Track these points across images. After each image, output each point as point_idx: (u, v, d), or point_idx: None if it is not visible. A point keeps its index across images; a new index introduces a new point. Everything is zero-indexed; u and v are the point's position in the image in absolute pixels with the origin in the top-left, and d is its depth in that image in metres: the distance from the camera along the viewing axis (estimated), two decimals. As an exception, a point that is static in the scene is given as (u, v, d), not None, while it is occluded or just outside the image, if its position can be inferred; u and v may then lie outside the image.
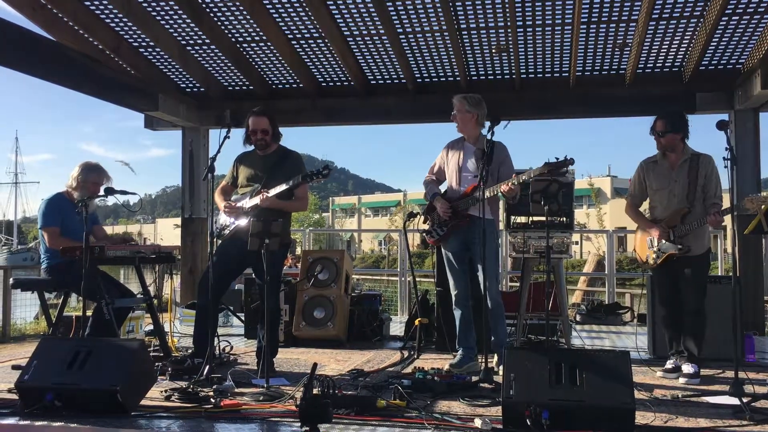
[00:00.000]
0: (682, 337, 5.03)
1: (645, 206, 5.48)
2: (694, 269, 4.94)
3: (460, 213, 5.12)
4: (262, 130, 5.11)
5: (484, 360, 4.55)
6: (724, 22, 6.53)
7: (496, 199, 5.13)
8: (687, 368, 4.89)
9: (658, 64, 7.52)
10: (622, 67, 7.61)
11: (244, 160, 5.29)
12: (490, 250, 5.04)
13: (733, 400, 3.95)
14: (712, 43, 6.89)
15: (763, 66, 6.51)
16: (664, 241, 5.01)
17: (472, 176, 5.13)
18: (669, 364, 5.09)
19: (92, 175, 5.46)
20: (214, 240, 5.11)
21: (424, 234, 5.47)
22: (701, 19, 6.57)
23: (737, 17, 6.47)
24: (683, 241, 4.94)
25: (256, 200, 4.92)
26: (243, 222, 4.98)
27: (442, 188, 5.44)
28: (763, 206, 4.37)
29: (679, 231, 4.95)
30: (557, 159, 4.68)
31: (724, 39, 6.87)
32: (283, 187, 4.84)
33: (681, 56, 7.33)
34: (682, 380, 4.86)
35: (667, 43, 7.04)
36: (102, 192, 5.37)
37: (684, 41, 7.00)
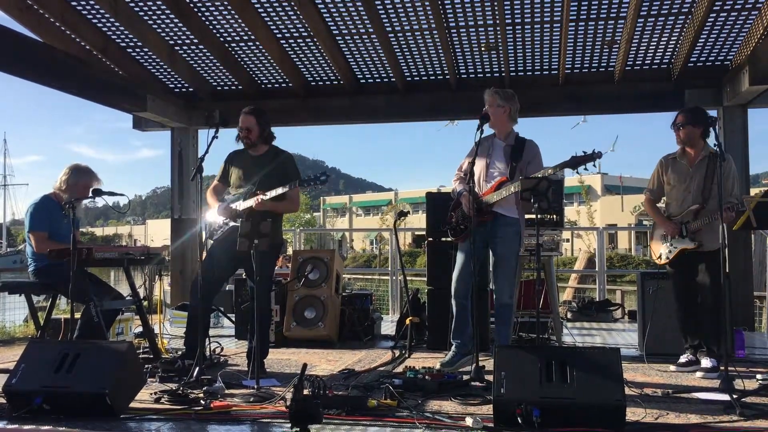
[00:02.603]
0: (703, 334, 5.05)
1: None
2: (709, 265, 4.96)
3: (484, 209, 4.97)
4: (246, 128, 5.10)
5: (475, 358, 4.54)
6: (712, 19, 6.55)
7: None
8: (706, 362, 4.94)
9: (646, 61, 7.54)
10: (611, 64, 7.62)
11: (235, 159, 5.27)
12: (511, 250, 5.01)
13: (724, 396, 3.97)
14: (700, 40, 6.91)
15: (751, 62, 6.53)
16: (677, 237, 5.06)
17: (500, 173, 5.01)
18: (683, 359, 5.12)
19: (83, 178, 5.43)
20: (204, 241, 5.09)
21: (447, 230, 5.32)
22: (689, 16, 6.59)
23: (725, 14, 6.49)
24: (696, 237, 4.99)
25: (251, 202, 4.88)
26: (236, 223, 4.95)
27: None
28: (752, 203, 4.39)
29: (692, 227, 4.99)
30: (584, 153, 4.56)
31: (712, 36, 6.89)
32: (279, 190, 4.83)
33: (669, 53, 7.35)
34: (699, 374, 4.88)
35: (656, 40, 7.05)
36: (90, 194, 5.34)
37: (672, 38, 7.03)
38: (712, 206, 4.92)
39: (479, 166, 5.15)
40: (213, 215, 5.17)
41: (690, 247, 5.01)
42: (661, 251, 5.21)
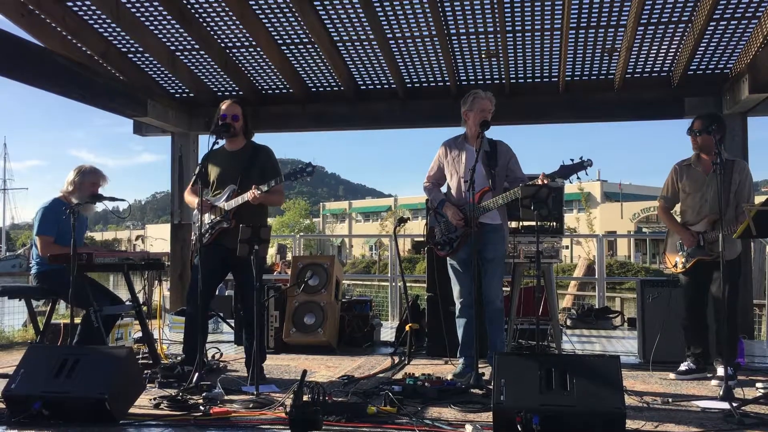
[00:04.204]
0: (715, 343, 4.98)
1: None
2: (725, 274, 4.71)
3: (471, 221, 4.84)
4: (233, 116, 4.99)
5: (475, 365, 4.54)
6: (712, 27, 6.57)
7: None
8: (722, 371, 4.86)
9: (646, 69, 7.56)
10: (611, 72, 7.64)
11: (212, 157, 5.06)
12: (500, 254, 5.00)
13: (724, 404, 3.96)
14: (700, 48, 6.93)
15: (751, 71, 6.55)
16: (694, 247, 4.99)
17: (480, 182, 4.91)
18: (683, 366, 5.09)
19: (89, 176, 5.42)
20: (194, 243, 5.05)
21: (435, 247, 5.23)
22: (689, 24, 6.61)
23: (725, 22, 6.51)
24: (713, 248, 4.89)
25: (246, 197, 4.78)
26: (224, 225, 4.92)
27: (443, 189, 5.26)
28: (751, 211, 4.38)
29: (710, 237, 4.92)
30: (572, 161, 4.50)
31: (712, 44, 6.91)
32: (272, 184, 4.77)
33: (669, 61, 7.37)
34: (714, 382, 4.81)
35: (656, 48, 7.07)
36: (96, 194, 5.34)
37: (672, 46, 7.04)
38: (730, 216, 4.83)
39: (455, 173, 5.07)
40: (198, 217, 5.06)
41: (707, 258, 4.92)
42: (676, 260, 5.14)
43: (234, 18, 6.84)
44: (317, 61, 7.71)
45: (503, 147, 5.06)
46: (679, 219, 5.26)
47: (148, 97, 7.88)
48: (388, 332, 7.52)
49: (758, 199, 4.76)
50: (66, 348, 4.85)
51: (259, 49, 7.45)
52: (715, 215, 4.89)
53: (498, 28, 6.74)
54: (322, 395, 3.72)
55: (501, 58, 7.30)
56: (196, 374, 4.44)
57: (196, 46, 7.46)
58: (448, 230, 5.08)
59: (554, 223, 5.91)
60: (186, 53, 7.70)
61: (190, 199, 5.17)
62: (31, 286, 5.46)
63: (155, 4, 6.67)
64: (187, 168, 8.64)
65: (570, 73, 7.67)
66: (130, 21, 6.88)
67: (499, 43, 7.00)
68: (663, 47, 7.06)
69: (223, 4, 6.60)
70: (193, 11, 6.85)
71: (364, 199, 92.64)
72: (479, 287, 5.00)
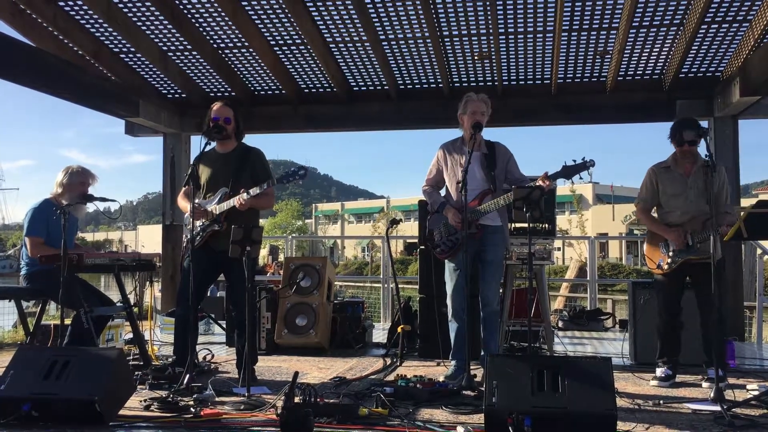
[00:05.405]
0: (706, 344, 4.93)
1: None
2: (716, 275, 4.63)
3: (472, 223, 4.84)
4: (225, 119, 4.98)
5: (466, 367, 4.54)
6: (704, 30, 6.60)
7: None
8: (713, 373, 4.85)
9: (638, 72, 7.58)
10: (603, 74, 7.66)
11: (203, 159, 5.05)
12: (500, 256, 5.01)
13: (714, 406, 3.97)
14: (691, 51, 6.95)
15: (742, 74, 6.57)
16: (683, 247, 4.94)
17: (480, 184, 4.92)
18: (661, 372, 5.01)
19: (78, 176, 5.40)
20: (186, 245, 5.04)
21: (434, 249, 5.19)
22: (681, 27, 6.63)
23: (716, 25, 6.54)
24: (704, 247, 4.86)
25: (233, 203, 4.79)
26: (215, 227, 4.90)
27: (441, 193, 5.23)
28: (742, 213, 4.40)
29: (699, 237, 4.88)
30: (574, 161, 4.48)
31: (703, 47, 6.93)
32: (264, 187, 4.75)
33: (661, 64, 7.39)
34: (705, 384, 4.80)
35: (648, 50, 7.09)
36: (87, 195, 5.31)
37: (664, 49, 7.06)
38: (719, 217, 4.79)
39: (454, 177, 5.02)
40: (189, 219, 5.04)
41: (696, 257, 4.88)
42: (660, 260, 5.09)
43: (227, 19, 6.82)
44: (310, 62, 7.70)
45: (501, 148, 5.06)
46: (661, 220, 5.25)
47: (139, 98, 7.84)
48: (380, 334, 7.52)
49: (748, 202, 4.78)
50: (56, 349, 4.83)
51: (251, 50, 7.43)
52: (704, 215, 4.87)
53: (490, 30, 6.74)
54: (313, 397, 3.72)
55: (493, 60, 7.31)
56: (187, 376, 4.42)
57: (189, 47, 7.43)
58: (448, 232, 5.05)
59: (546, 225, 5.92)
60: (178, 54, 7.68)
61: (183, 204, 5.15)
62: (20, 287, 5.44)
63: (147, 4, 6.65)
64: (179, 169, 8.61)
65: (562, 76, 7.68)
66: (121, 21, 6.84)
67: (492, 45, 7.01)
68: (654, 50, 7.08)
69: (216, 4, 6.58)
70: (185, 11, 6.83)
71: (356, 201, 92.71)
72: (475, 289, 5.01)
